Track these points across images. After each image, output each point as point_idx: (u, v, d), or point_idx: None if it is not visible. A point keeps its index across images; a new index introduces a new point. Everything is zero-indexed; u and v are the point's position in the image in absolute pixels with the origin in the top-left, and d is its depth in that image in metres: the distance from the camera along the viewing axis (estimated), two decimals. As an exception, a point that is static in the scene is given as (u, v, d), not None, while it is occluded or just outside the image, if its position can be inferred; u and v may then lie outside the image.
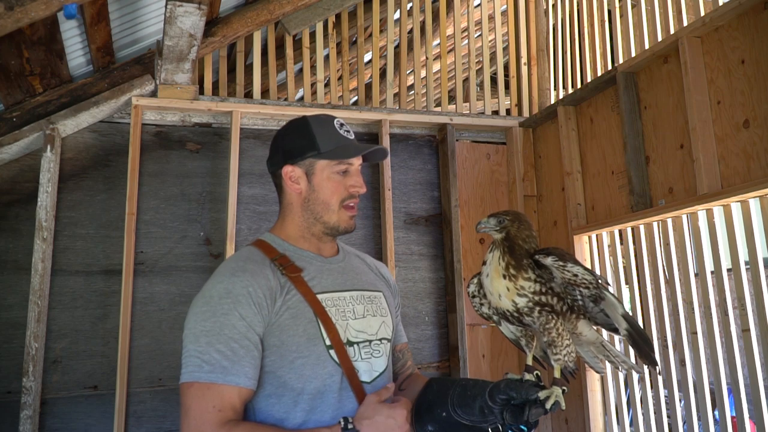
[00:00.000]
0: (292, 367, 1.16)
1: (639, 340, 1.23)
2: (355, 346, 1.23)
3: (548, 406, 1.10)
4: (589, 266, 2.82)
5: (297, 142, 1.29)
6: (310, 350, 1.17)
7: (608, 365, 1.53)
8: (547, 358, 1.32)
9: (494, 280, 1.21)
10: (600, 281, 1.20)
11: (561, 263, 1.17)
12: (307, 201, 1.29)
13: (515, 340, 1.38)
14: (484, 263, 1.26)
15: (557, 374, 1.20)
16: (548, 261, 1.19)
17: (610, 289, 1.24)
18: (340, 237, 1.36)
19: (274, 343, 1.16)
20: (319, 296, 1.22)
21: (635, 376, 2.57)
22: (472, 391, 1.17)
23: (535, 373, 1.22)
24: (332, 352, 1.19)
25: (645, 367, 2.43)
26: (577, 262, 1.18)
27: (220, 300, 1.15)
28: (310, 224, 1.30)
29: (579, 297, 1.24)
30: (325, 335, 1.19)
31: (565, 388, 1.15)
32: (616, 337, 2.58)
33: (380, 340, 1.29)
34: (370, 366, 1.24)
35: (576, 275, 1.18)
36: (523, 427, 1.10)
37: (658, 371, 1.24)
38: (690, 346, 2.32)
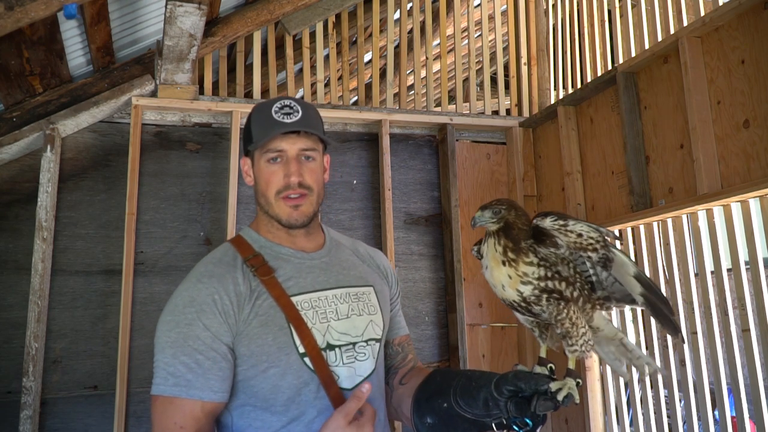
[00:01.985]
0: (265, 376, 1.11)
1: (657, 302, 1.08)
2: (337, 349, 1.16)
3: (560, 397, 1.00)
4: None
5: (245, 133, 1.26)
6: (281, 359, 1.11)
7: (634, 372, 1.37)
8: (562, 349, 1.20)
9: (494, 270, 1.09)
10: (607, 237, 1.08)
11: (561, 222, 1.06)
12: (256, 193, 1.25)
13: (530, 328, 1.26)
14: (481, 257, 1.15)
15: (572, 365, 1.09)
16: (547, 222, 1.07)
17: (618, 245, 1.10)
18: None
19: (244, 352, 1.11)
20: (295, 299, 1.15)
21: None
22: (478, 382, 1.08)
23: (548, 366, 1.12)
24: (306, 359, 1.12)
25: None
26: (578, 220, 1.08)
27: (184, 309, 1.10)
28: (268, 218, 1.25)
29: (589, 267, 1.12)
30: (298, 343, 1.12)
31: (579, 380, 1.05)
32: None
33: (366, 341, 1.21)
34: (353, 371, 1.17)
35: (580, 234, 1.06)
36: (528, 421, 1.02)
37: (681, 338, 1.06)
38: (690, 346, 2.31)
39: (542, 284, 1.06)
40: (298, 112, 1.19)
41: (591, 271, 1.12)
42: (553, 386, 1.01)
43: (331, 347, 1.15)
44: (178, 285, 1.17)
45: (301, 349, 1.12)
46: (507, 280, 1.08)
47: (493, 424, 1.06)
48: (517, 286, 1.07)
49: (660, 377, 2.63)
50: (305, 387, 1.12)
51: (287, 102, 1.21)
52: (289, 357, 1.12)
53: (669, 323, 1.08)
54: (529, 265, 1.07)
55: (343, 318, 1.19)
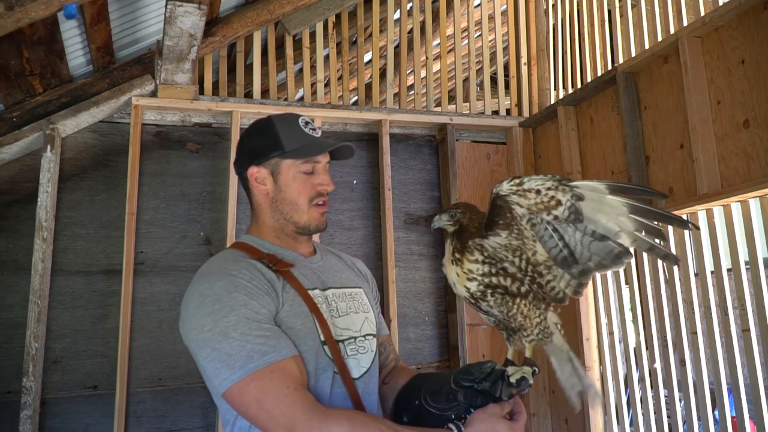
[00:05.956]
0: None
1: (649, 210, 1.03)
2: (341, 343, 1.22)
3: (513, 379, 1.09)
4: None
5: (261, 142, 1.27)
6: (307, 344, 1.16)
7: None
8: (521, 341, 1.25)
9: (447, 268, 1.19)
10: (562, 180, 1.06)
11: (517, 181, 1.07)
12: (275, 201, 1.28)
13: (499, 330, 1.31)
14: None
15: (528, 354, 1.17)
16: (504, 187, 1.08)
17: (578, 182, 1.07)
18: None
19: None
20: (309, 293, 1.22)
21: (635, 375, 2.57)
22: (443, 378, 1.18)
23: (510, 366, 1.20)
24: (326, 347, 1.18)
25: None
26: (533, 176, 1.08)
27: (230, 295, 1.11)
28: (281, 225, 1.29)
29: (557, 240, 1.10)
30: (319, 330, 1.18)
31: (536, 368, 1.13)
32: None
33: (365, 336, 1.28)
34: (358, 362, 1.24)
35: (538, 191, 1.06)
36: (472, 409, 1.11)
37: (676, 260, 0.97)
38: (690, 346, 2.31)
39: (486, 280, 1.14)
40: (317, 128, 1.31)
41: (561, 244, 1.10)
42: (510, 370, 1.11)
43: (336, 341, 1.22)
44: (197, 286, 1.16)
45: (322, 338, 1.19)
46: (456, 277, 1.18)
47: (453, 416, 1.13)
48: (465, 282, 1.16)
49: (660, 376, 2.63)
50: (323, 373, 1.17)
51: (305, 118, 1.30)
52: (314, 342, 1.17)
53: (666, 247, 1.06)
54: (473, 262, 1.15)
55: (342, 315, 1.27)
